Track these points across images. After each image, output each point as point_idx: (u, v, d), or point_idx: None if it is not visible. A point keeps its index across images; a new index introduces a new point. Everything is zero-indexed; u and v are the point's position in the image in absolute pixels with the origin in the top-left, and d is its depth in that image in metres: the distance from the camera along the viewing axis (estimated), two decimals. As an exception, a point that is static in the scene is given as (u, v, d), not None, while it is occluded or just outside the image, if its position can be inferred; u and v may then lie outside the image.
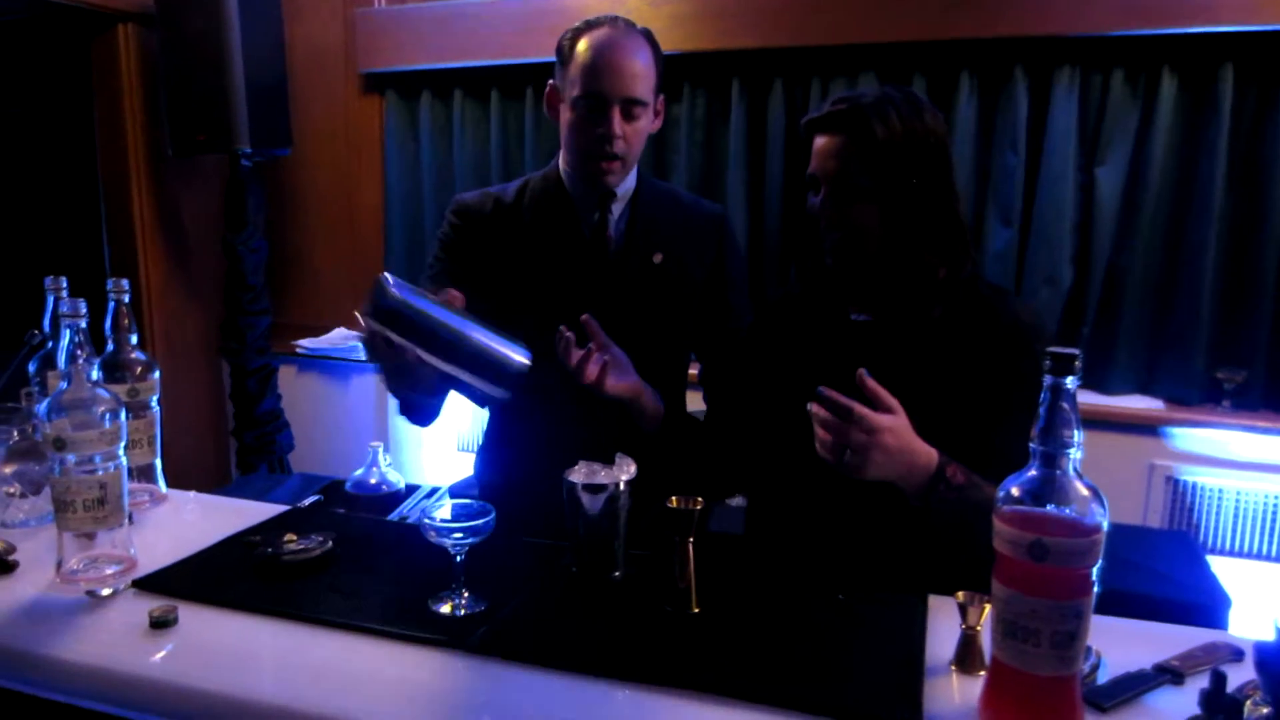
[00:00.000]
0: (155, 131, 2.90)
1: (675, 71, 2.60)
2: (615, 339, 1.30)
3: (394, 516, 2.17)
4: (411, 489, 2.33)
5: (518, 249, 1.43)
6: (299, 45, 3.02)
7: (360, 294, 3.13)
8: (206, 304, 3.16)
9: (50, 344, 1.32)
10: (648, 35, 1.39)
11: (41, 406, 1.07)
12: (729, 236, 1.54)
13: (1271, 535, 2.28)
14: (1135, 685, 0.90)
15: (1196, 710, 0.80)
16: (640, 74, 1.34)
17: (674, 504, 1.04)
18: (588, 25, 1.37)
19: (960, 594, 0.94)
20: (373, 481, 2.28)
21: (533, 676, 0.92)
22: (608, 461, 1.12)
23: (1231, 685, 0.85)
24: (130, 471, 1.32)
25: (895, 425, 1.06)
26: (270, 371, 3.05)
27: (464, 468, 2.82)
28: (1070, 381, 0.80)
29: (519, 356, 1.16)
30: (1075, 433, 0.80)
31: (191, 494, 1.45)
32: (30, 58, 3.19)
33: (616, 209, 1.44)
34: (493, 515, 1.03)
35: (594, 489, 1.09)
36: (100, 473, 1.07)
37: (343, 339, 3.11)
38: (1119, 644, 0.96)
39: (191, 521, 1.34)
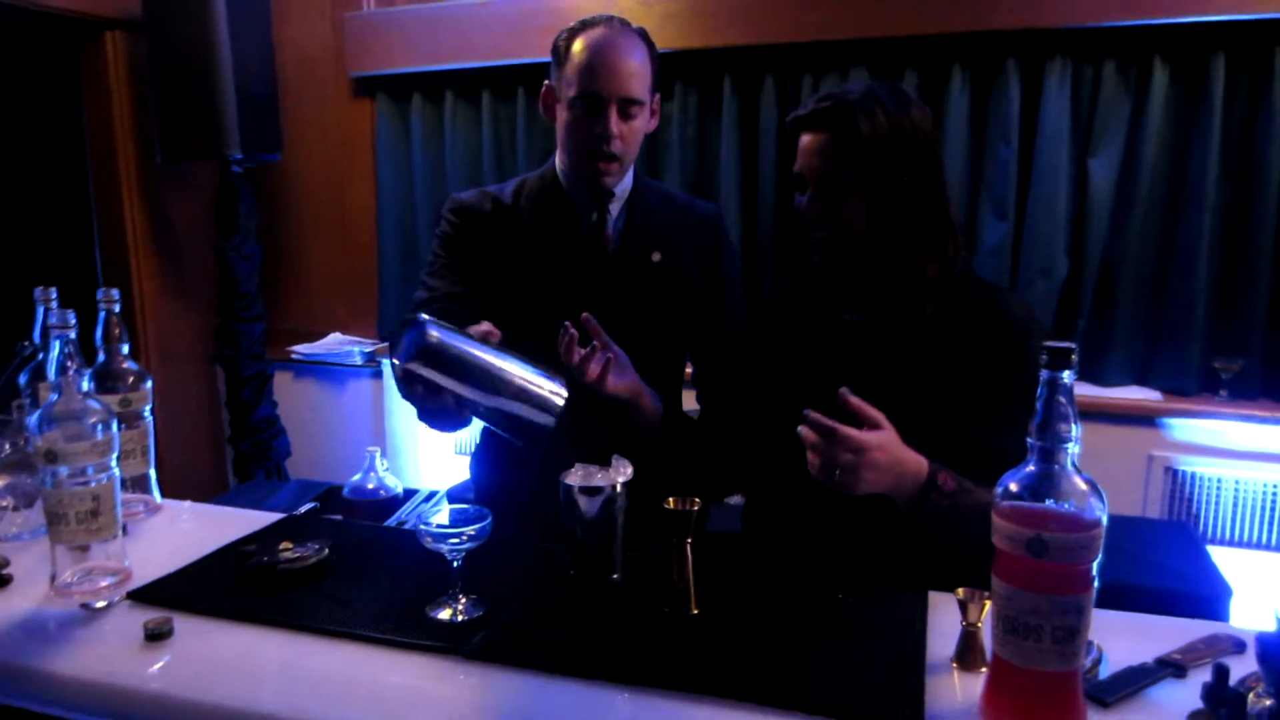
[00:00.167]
0: (145, 139, 2.89)
1: (667, 69, 2.57)
2: (614, 338, 1.30)
3: (392, 521, 2.16)
4: (410, 493, 2.32)
5: (517, 249, 1.43)
6: (288, 50, 3.01)
7: (354, 299, 3.17)
8: (200, 311, 3.15)
9: (41, 355, 1.31)
10: (643, 34, 1.39)
11: (33, 419, 1.06)
12: (724, 236, 1.54)
13: (1271, 524, 2.28)
14: (1137, 679, 0.90)
15: (1199, 704, 0.80)
16: (637, 73, 1.34)
17: (671, 505, 1.04)
18: (583, 25, 1.36)
19: (960, 591, 0.94)
20: (370, 487, 2.26)
21: (532, 681, 0.92)
22: (604, 464, 1.11)
23: (1234, 677, 0.85)
24: (124, 482, 1.32)
25: (883, 441, 1.06)
26: (265, 378, 3.04)
27: (462, 471, 2.81)
28: (1067, 376, 0.79)
29: (558, 393, 1.14)
30: (1073, 427, 0.80)
31: (187, 504, 1.44)
32: (17, 67, 3.17)
33: (614, 208, 1.44)
34: (489, 520, 1.02)
35: (590, 491, 1.08)
36: (93, 484, 1.06)
37: (338, 344, 3.11)
38: (1120, 638, 0.96)
39: (187, 531, 1.33)
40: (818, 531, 1.25)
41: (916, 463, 1.08)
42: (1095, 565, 0.80)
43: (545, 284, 1.41)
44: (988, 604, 0.90)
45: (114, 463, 1.09)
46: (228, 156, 2.71)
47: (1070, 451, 0.80)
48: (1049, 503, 0.80)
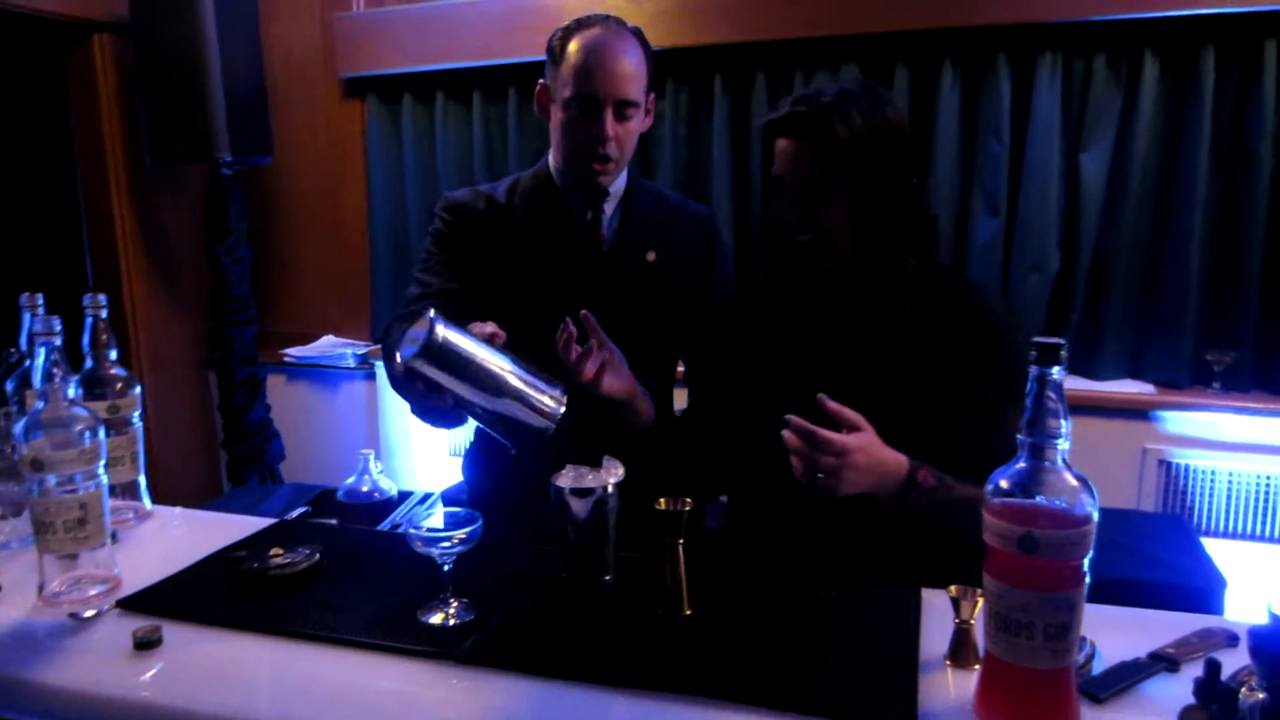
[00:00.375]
0: (134, 143, 2.87)
1: (658, 67, 2.57)
2: (609, 337, 1.30)
3: (387, 524, 2.15)
4: (404, 495, 2.32)
5: (511, 247, 1.42)
6: (277, 51, 3.00)
7: (347, 301, 3.16)
8: (192, 315, 3.14)
9: (28, 362, 1.30)
10: (638, 34, 1.39)
11: (18, 427, 1.05)
12: (717, 237, 1.54)
13: (1264, 515, 2.28)
14: (1130, 675, 0.89)
15: (1192, 698, 0.79)
16: (632, 75, 1.34)
17: (663, 505, 1.03)
18: (579, 24, 1.36)
19: (953, 588, 0.94)
20: (364, 489, 2.26)
21: (524, 685, 0.91)
22: (595, 465, 1.11)
23: (1227, 670, 0.85)
24: (114, 489, 1.31)
25: (863, 443, 1.07)
26: (258, 382, 3.03)
27: (456, 473, 2.81)
28: (1056, 372, 0.79)
29: (558, 399, 1.13)
30: (1063, 423, 0.79)
31: (178, 510, 1.43)
32: (4, 71, 3.15)
33: (609, 207, 1.44)
34: (479, 524, 1.02)
35: (582, 493, 1.08)
36: (80, 492, 1.06)
37: (331, 346, 3.09)
38: (1114, 633, 0.96)
39: (177, 538, 1.32)
40: (801, 530, 1.25)
41: (897, 461, 1.10)
42: (1087, 561, 0.80)
43: (539, 283, 1.40)
44: (980, 601, 0.89)
45: (101, 470, 1.08)
46: (217, 159, 2.70)
47: (1060, 448, 0.80)
48: (1040, 499, 0.80)
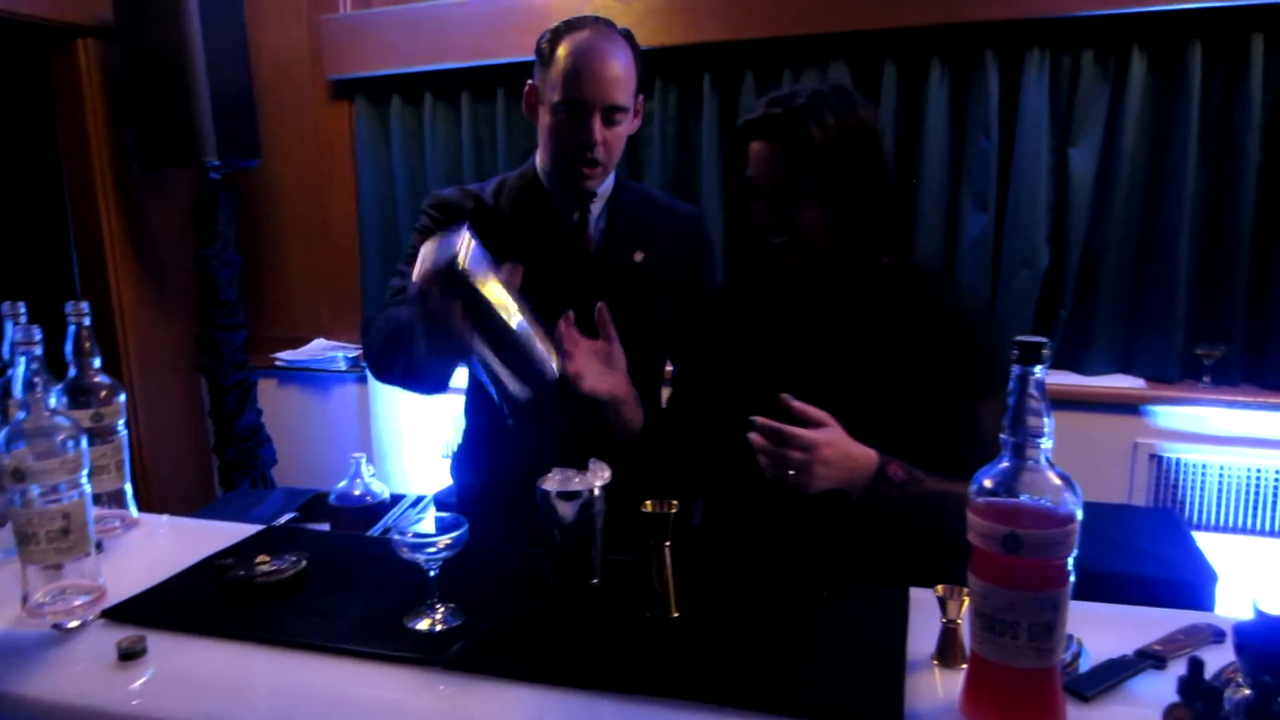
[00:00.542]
0: (121, 146, 2.86)
1: (647, 66, 2.57)
2: (595, 338, 1.29)
3: (379, 527, 2.15)
4: (396, 498, 2.31)
5: (498, 247, 1.41)
6: (264, 54, 2.98)
7: (337, 304, 3.15)
8: (181, 320, 3.12)
9: (10, 372, 1.29)
10: (628, 36, 1.38)
11: (0, 437, 1.04)
12: (705, 237, 1.54)
13: (1255, 509, 2.29)
14: (1117, 672, 0.89)
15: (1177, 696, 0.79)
16: (620, 80, 1.33)
17: (649, 508, 1.03)
18: (568, 27, 1.35)
19: (940, 587, 0.94)
20: (356, 493, 2.25)
21: (512, 691, 0.91)
22: (582, 468, 1.10)
23: (1213, 667, 0.85)
24: (100, 497, 1.31)
25: (830, 437, 1.08)
26: (248, 386, 3.02)
27: (448, 476, 2.81)
28: (1038, 370, 0.79)
29: (552, 364, 1.10)
30: (1046, 422, 0.79)
31: (165, 518, 1.43)
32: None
33: (595, 208, 1.44)
34: (465, 529, 1.01)
35: (568, 496, 1.07)
36: (64, 501, 1.05)
37: (321, 350, 3.08)
38: (1101, 630, 0.96)
39: (164, 546, 1.31)
40: (776, 529, 1.26)
41: (866, 455, 1.11)
42: (1070, 560, 0.79)
43: (527, 283, 1.40)
44: (967, 600, 0.89)
45: (85, 479, 1.07)
46: (205, 163, 2.68)
47: (1044, 447, 0.80)
48: (1024, 498, 0.80)
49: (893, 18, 2.37)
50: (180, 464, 3.16)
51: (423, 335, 1.08)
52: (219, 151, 2.66)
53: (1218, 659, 0.87)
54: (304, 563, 1.14)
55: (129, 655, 0.96)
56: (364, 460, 2.25)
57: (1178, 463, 2.33)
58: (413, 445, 3.01)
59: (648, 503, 1.03)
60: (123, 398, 1.33)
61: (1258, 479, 2.28)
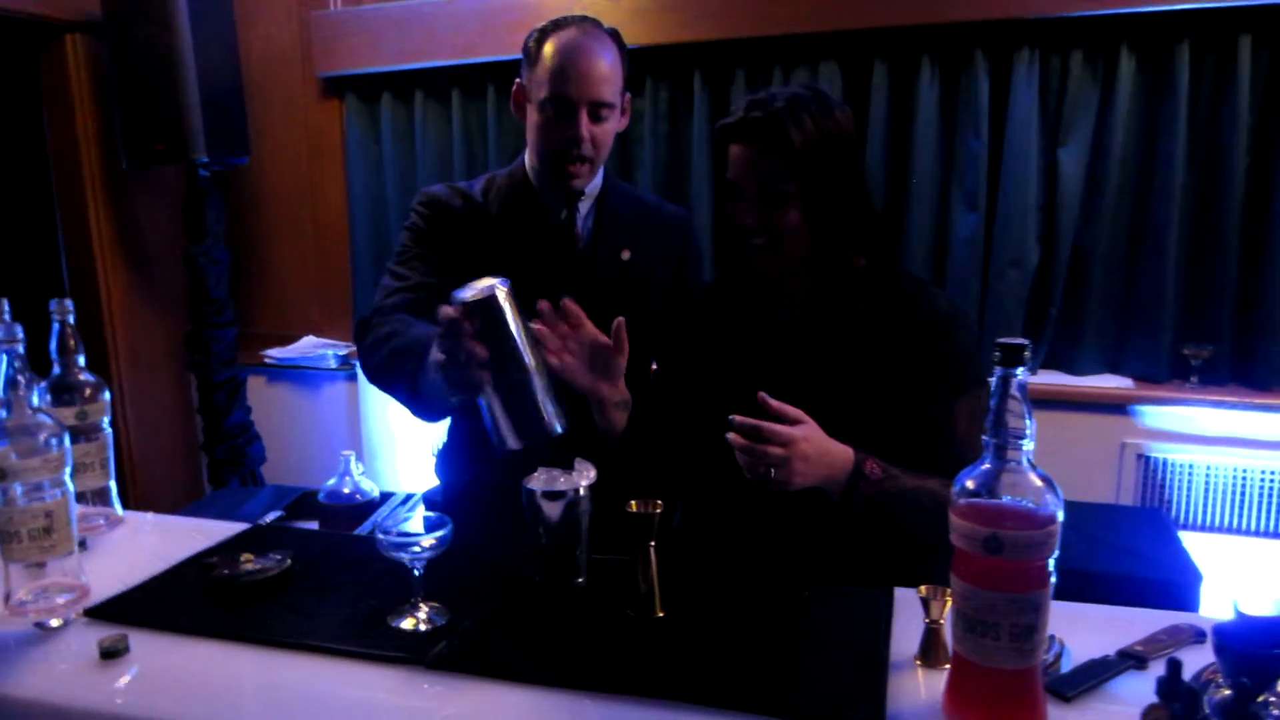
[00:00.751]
0: (110, 143, 2.84)
1: (637, 65, 2.56)
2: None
3: (368, 525, 2.14)
4: (386, 496, 2.31)
5: (487, 245, 1.42)
6: (254, 51, 2.97)
7: (328, 302, 3.14)
8: (171, 317, 3.11)
9: (-5, 369, 1.28)
10: (614, 35, 1.39)
11: (-19, 435, 1.04)
12: (692, 239, 1.55)
13: (1241, 509, 2.30)
14: (1098, 673, 0.90)
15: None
16: (608, 76, 1.34)
17: (634, 508, 1.03)
18: (555, 25, 1.36)
19: (923, 588, 0.94)
20: (346, 491, 2.25)
21: (496, 690, 0.91)
22: (567, 467, 1.10)
23: (1194, 667, 0.85)
24: (84, 495, 1.30)
25: (807, 434, 1.10)
26: (238, 384, 3.01)
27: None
28: (1020, 372, 0.79)
29: (561, 417, 1.07)
30: (1027, 424, 0.79)
31: (150, 516, 1.42)
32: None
33: (583, 207, 1.45)
34: (449, 528, 1.01)
35: (553, 496, 1.07)
36: (47, 500, 1.04)
37: (312, 347, 3.07)
38: (1083, 631, 0.96)
39: (149, 545, 1.31)
40: (754, 529, 1.26)
41: (843, 452, 1.13)
42: (1052, 561, 0.80)
43: (515, 281, 1.40)
44: (949, 601, 0.90)
45: (68, 477, 1.07)
46: (194, 160, 2.67)
47: (1025, 448, 0.80)
48: (1005, 499, 0.80)
49: (883, 17, 2.37)
50: (169, 462, 3.15)
51: (439, 366, 1.06)
52: (208, 148, 2.65)
53: (1199, 659, 0.88)
54: (288, 562, 1.14)
55: (110, 654, 0.96)
56: (353, 458, 2.25)
57: (1165, 463, 2.35)
58: (402, 443, 3.00)
59: (633, 503, 1.03)
60: (108, 395, 1.32)
61: (1244, 479, 2.29)
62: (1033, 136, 2.34)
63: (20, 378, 1.05)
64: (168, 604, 1.09)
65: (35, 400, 1.07)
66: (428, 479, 2.88)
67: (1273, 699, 0.72)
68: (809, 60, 2.50)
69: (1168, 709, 0.72)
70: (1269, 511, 2.28)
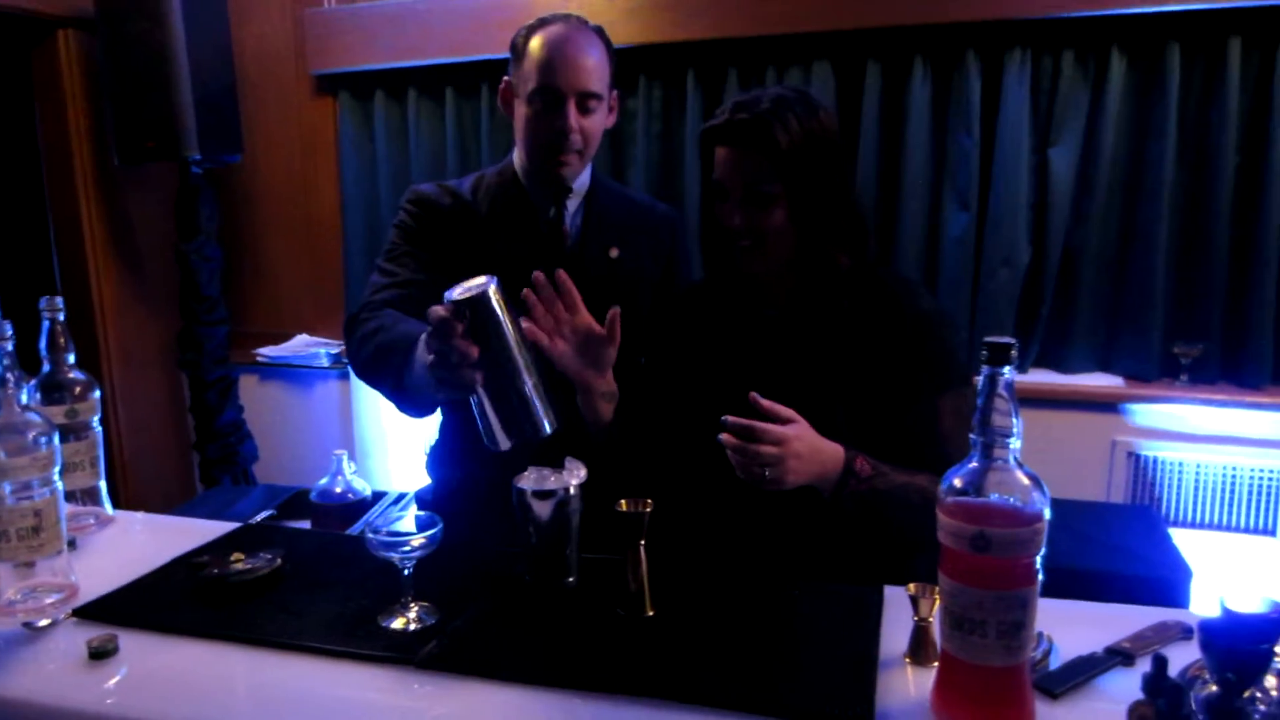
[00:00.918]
0: (102, 140, 2.83)
1: (630, 64, 2.58)
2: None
3: (360, 525, 2.14)
4: (378, 496, 2.30)
5: (475, 243, 1.43)
6: (247, 48, 2.96)
7: (320, 300, 3.13)
8: (163, 316, 3.10)
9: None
10: (600, 32, 1.41)
11: (-30, 434, 1.03)
12: (682, 239, 1.56)
13: (1231, 506, 2.31)
14: (1086, 669, 0.90)
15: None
16: (594, 69, 1.36)
17: (624, 507, 1.03)
18: (541, 22, 1.38)
19: (912, 586, 0.94)
20: (338, 490, 2.24)
21: (486, 690, 0.91)
22: (557, 466, 1.10)
23: (1181, 663, 0.86)
24: (74, 494, 1.30)
25: (800, 432, 1.11)
26: (230, 383, 3.00)
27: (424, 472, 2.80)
28: (1007, 371, 0.80)
29: (550, 418, 1.07)
30: (1014, 422, 0.80)
31: (140, 515, 1.42)
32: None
33: (572, 204, 1.45)
34: (439, 527, 1.01)
35: (544, 495, 1.07)
36: (36, 499, 1.04)
37: (304, 346, 3.07)
38: (1072, 628, 0.97)
39: (138, 544, 1.30)
40: (740, 529, 1.27)
41: (834, 450, 1.14)
42: (1039, 559, 0.80)
43: (503, 279, 1.40)
44: (938, 598, 0.90)
45: (57, 476, 1.06)
46: (186, 157, 2.66)
47: (1012, 447, 0.80)
48: (993, 497, 0.80)
49: (876, 17, 2.38)
50: (161, 460, 3.14)
51: (429, 364, 1.05)
52: (201, 145, 2.64)
53: (1186, 656, 0.89)
54: (279, 561, 1.14)
55: (99, 654, 0.96)
56: (346, 457, 2.24)
57: (1155, 460, 2.36)
58: (395, 442, 3.00)
59: (622, 502, 1.03)
60: (98, 393, 1.32)
61: (1234, 477, 2.30)
62: (1024, 136, 2.35)
63: (9, 375, 1.04)
64: (157, 603, 1.09)
65: (24, 398, 1.06)
66: (420, 478, 2.88)
67: (1258, 695, 0.73)
68: (802, 60, 2.50)
69: (1153, 705, 0.72)
70: (1258, 508, 2.29)
